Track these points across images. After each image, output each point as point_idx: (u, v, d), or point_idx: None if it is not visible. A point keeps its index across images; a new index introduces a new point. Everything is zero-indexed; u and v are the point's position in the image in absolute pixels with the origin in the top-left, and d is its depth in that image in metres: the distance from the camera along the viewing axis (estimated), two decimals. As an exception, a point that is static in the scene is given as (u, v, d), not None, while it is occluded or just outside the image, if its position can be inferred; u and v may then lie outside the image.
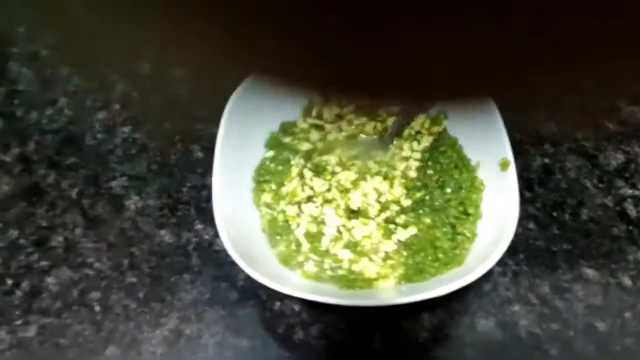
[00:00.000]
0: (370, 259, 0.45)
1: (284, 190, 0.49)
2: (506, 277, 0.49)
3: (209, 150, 0.56)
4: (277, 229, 0.47)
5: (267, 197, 0.49)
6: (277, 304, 0.48)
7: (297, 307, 0.48)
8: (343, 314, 0.47)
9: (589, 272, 0.49)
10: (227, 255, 0.43)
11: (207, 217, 0.52)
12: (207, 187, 0.54)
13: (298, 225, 0.47)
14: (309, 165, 0.50)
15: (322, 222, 0.47)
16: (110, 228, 0.52)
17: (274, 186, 0.49)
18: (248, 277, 0.48)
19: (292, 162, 0.50)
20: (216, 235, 0.50)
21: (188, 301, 0.48)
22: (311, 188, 0.48)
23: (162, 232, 0.52)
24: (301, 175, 0.49)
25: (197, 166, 0.55)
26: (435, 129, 0.50)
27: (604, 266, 0.49)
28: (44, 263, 0.50)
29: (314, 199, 0.48)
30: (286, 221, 0.47)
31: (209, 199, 0.53)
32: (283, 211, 0.48)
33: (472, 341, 0.46)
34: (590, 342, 0.46)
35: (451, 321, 0.47)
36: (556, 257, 0.50)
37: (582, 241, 0.51)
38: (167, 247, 0.51)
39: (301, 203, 0.48)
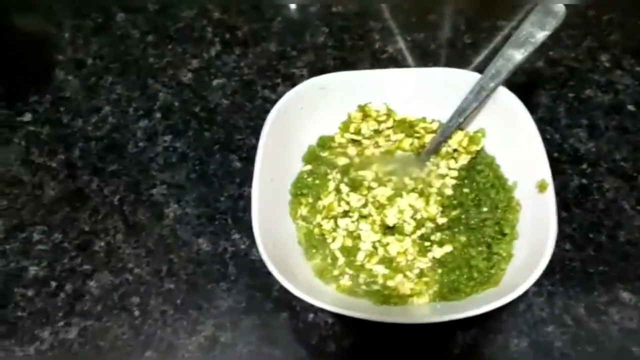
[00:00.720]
0: (405, 276, 0.46)
1: (320, 204, 0.49)
2: (541, 298, 0.49)
3: (247, 161, 0.57)
4: (313, 242, 0.48)
5: (303, 210, 0.49)
6: (311, 315, 0.48)
7: (330, 320, 0.48)
8: (376, 328, 0.47)
9: (625, 296, 0.49)
10: (263, 266, 0.44)
11: (244, 227, 0.53)
12: (244, 197, 0.55)
13: (334, 239, 0.48)
14: (345, 179, 0.50)
15: (358, 237, 0.47)
16: (150, 235, 0.53)
17: (310, 199, 0.49)
18: (283, 288, 0.48)
19: (329, 177, 0.50)
20: (252, 245, 0.51)
21: (224, 309, 0.49)
22: (347, 203, 0.48)
23: (200, 240, 0.53)
24: (338, 190, 0.50)
25: (235, 176, 0.57)
26: (473, 147, 0.50)
27: (640, 290, 0.49)
28: (86, 267, 0.52)
29: (350, 214, 0.48)
30: (322, 235, 0.48)
31: (245, 209, 0.54)
32: (319, 225, 0.48)
33: (505, 360, 0.46)
34: (626, 367, 0.46)
35: (484, 340, 0.47)
36: (592, 279, 0.50)
37: (619, 264, 0.50)
38: (205, 255, 0.52)
39: (337, 217, 0.48)
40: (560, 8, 0.47)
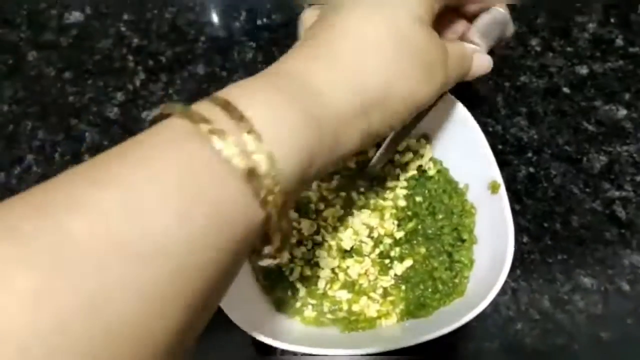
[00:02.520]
0: (370, 297, 0.44)
1: None
2: (506, 296, 0.48)
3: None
4: (270, 276, 0.46)
5: None
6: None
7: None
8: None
9: (587, 281, 0.49)
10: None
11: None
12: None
13: (291, 270, 0.45)
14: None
15: (317, 265, 0.45)
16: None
17: None
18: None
19: None
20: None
21: None
22: (299, 231, 0.46)
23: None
24: None
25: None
26: (419, 154, 0.49)
27: (600, 273, 0.49)
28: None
29: (305, 242, 0.46)
30: (278, 267, 0.46)
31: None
32: None
33: (480, 367, 0.46)
34: (597, 353, 0.46)
35: (456, 348, 0.46)
36: (552, 269, 0.50)
37: (577, 249, 0.50)
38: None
39: (293, 248, 0.46)
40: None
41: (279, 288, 0.45)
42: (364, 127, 0.30)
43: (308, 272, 0.45)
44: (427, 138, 0.50)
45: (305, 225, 0.46)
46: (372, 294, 0.44)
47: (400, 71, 0.30)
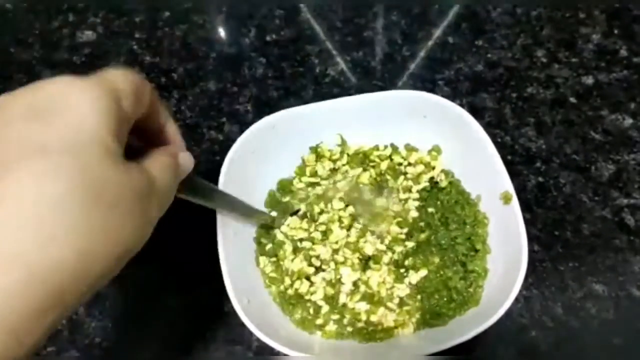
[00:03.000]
0: (387, 307, 0.45)
1: (286, 267, 0.48)
2: (519, 304, 0.49)
3: (204, 209, 0.55)
4: (290, 300, 0.46)
5: (270, 270, 0.48)
6: (297, 361, 0.47)
7: (316, 362, 0.47)
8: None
9: (598, 288, 0.50)
10: (237, 317, 0.43)
11: (211, 278, 0.51)
12: (208, 249, 0.53)
13: (313, 293, 0.46)
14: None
15: (339, 281, 0.46)
16: (114, 302, 0.51)
17: (273, 259, 0.48)
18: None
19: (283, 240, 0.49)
20: (222, 297, 0.49)
21: (204, 369, 0.47)
22: (317, 257, 0.47)
23: (167, 296, 0.51)
24: (298, 250, 0.48)
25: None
26: (431, 166, 0.50)
27: (611, 280, 0.50)
28: (50, 349, 0.49)
29: (324, 267, 0.47)
30: (297, 293, 0.46)
31: (211, 259, 0.52)
32: (291, 286, 0.47)
33: (495, 374, 0.46)
34: (611, 359, 0.46)
35: (471, 357, 0.47)
36: (564, 277, 0.50)
37: (588, 257, 0.51)
38: (174, 313, 0.50)
39: (311, 276, 0.47)
40: None
41: (299, 309, 0.46)
42: (58, 313, 0.24)
43: (331, 291, 0.46)
44: (438, 150, 0.51)
45: (323, 251, 0.47)
46: (389, 304, 0.45)
47: (96, 228, 0.24)
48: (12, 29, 0.72)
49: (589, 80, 0.62)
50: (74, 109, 0.25)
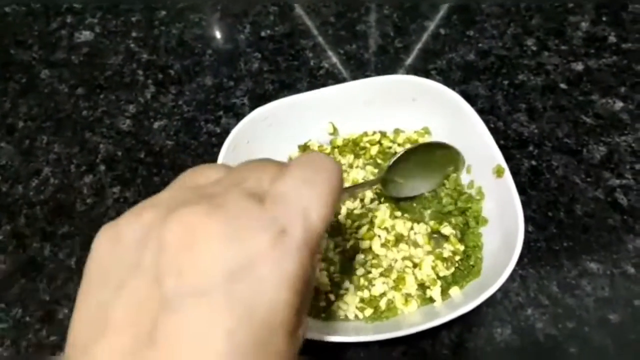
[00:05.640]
0: (394, 288, 0.46)
1: None
2: (515, 283, 0.50)
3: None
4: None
5: None
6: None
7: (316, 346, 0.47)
8: (362, 345, 0.47)
9: (593, 266, 0.50)
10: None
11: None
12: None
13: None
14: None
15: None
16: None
17: None
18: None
19: None
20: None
21: None
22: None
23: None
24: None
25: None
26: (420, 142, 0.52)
27: (606, 258, 0.51)
28: (53, 338, 0.49)
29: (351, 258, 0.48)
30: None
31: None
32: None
33: (493, 351, 0.47)
34: (607, 335, 0.47)
35: (469, 335, 0.47)
36: (559, 256, 0.51)
37: (581, 236, 0.52)
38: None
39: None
40: None
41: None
42: None
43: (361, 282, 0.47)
44: (427, 130, 0.52)
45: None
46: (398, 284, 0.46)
47: None
48: (12, 31, 0.73)
49: (578, 66, 0.63)
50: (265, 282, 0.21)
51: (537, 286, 0.50)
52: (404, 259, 0.47)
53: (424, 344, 0.47)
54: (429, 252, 0.47)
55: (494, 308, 0.48)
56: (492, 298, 0.48)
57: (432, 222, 0.49)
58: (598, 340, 0.47)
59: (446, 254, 0.46)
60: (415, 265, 0.46)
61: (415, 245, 0.47)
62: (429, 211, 0.50)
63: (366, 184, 0.47)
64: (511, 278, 0.50)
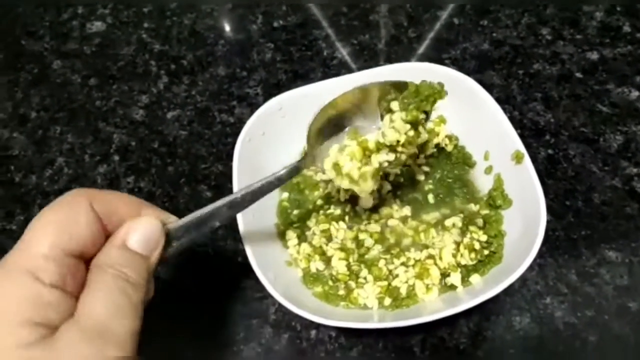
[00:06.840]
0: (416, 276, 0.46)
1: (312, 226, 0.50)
2: (533, 272, 0.49)
3: (217, 189, 0.56)
4: (312, 275, 0.47)
5: (294, 243, 0.49)
6: (313, 332, 0.47)
7: (333, 333, 0.47)
8: (380, 333, 0.47)
9: (612, 254, 0.50)
10: (254, 292, 0.43)
11: (226, 255, 0.52)
12: (222, 226, 0.53)
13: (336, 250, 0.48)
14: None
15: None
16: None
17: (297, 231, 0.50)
18: (279, 310, 0.47)
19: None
20: (239, 273, 0.50)
21: (222, 342, 0.48)
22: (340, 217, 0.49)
23: (182, 274, 0.51)
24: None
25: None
26: (436, 131, 0.52)
27: (624, 246, 0.50)
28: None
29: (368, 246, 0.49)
30: (323, 254, 0.48)
31: (225, 238, 0.52)
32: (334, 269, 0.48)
33: (512, 340, 0.46)
34: (626, 323, 0.46)
35: (487, 323, 0.47)
36: (577, 244, 0.51)
37: (599, 225, 0.51)
38: (189, 291, 0.50)
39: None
40: None
41: (321, 284, 0.47)
42: None
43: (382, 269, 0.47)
44: (443, 119, 0.52)
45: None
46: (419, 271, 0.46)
47: None
48: (23, 22, 0.73)
49: (593, 55, 0.63)
50: None
51: (555, 274, 0.49)
52: (425, 247, 0.47)
53: (442, 332, 0.47)
54: (454, 241, 0.47)
55: (512, 297, 0.48)
56: (510, 287, 0.48)
57: (438, 213, 0.49)
58: (617, 328, 0.46)
59: (469, 242, 0.46)
60: (435, 257, 0.46)
61: (443, 232, 0.48)
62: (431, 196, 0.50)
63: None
64: (530, 267, 0.49)
